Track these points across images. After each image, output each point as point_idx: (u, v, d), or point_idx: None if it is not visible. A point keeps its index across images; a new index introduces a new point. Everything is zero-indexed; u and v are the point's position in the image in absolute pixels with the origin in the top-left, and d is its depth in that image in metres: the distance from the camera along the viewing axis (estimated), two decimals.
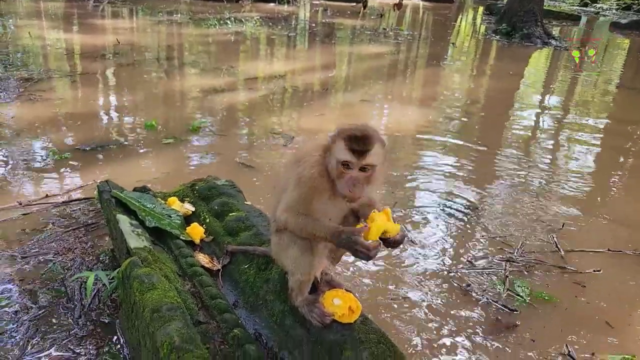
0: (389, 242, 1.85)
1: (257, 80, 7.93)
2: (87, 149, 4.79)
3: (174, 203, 2.96)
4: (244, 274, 2.41)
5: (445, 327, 2.87)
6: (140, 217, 2.75)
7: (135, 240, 2.51)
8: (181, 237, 2.68)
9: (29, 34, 9.41)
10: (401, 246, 1.83)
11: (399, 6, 14.48)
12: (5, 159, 4.49)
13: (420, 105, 7.42)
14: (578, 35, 15.77)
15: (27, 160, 4.46)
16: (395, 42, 12.24)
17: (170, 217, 2.80)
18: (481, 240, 3.78)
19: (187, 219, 2.87)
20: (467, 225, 3.97)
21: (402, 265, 3.40)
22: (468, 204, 4.30)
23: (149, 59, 8.59)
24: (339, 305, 2.01)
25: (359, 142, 1.78)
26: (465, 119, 6.76)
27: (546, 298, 3.15)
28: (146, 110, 6.11)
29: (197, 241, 2.69)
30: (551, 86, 9.19)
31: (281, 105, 6.94)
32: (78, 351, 2.45)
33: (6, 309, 2.67)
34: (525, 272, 3.41)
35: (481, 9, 20.42)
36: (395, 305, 3.00)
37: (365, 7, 15.73)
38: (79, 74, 7.36)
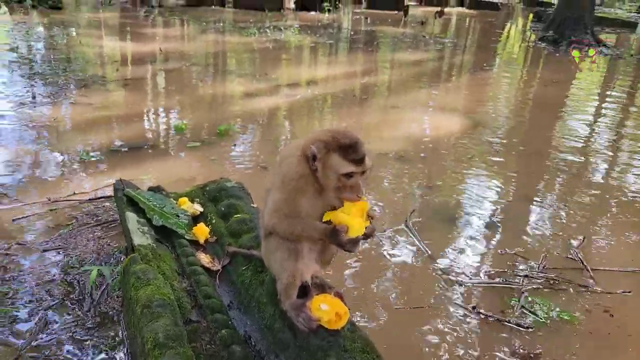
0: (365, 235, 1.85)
1: (292, 87, 8.00)
2: (118, 149, 4.98)
3: (185, 203, 3.02)
4: (241, 276, 2.42)
5: (454, 345, 2.76)
6: (148, 215, 2.82)
7: (140, 237, 2.58)
8: (186, 237, 2.73)
9: (79, 42, 9.94)
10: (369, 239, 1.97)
11: (440, 14, 14.32)
12: (41, 157, 4.74)
13: (461, 113, 7.22)
14: (637, 44, 14.97)
15: (61, 159, 4.69)
16: (436, 50, 12.05)
17: (179, 216, 2.86)
18: (499, 252, 3.62)
19: (196, 219, 2.92)
20: (487, 236, 3.83)
21: (413, 275, 3.31)
22: (488, 214, 4.15)
23: (188, 65, 8.86)
24: (326, 310, 1.97)
25: (355, 150, 1.75)
26: (497, 128, 6.54)
27: (566, 318, 2.97)
28: (180, 114, 6.30)
29: (202, 241, 2.73)
30: (596, 96, 8.75)
31: (316, 112, 6.96)
32: (85, 341, 2.53)
33: (22, 297, 2.80)
34: (545, 290, 3.23)
35: (530, 16, 19.81)
36: (403, 319, 2.92)
37: (406, 14, 15.63)
38: (121, 80, 7.67)
